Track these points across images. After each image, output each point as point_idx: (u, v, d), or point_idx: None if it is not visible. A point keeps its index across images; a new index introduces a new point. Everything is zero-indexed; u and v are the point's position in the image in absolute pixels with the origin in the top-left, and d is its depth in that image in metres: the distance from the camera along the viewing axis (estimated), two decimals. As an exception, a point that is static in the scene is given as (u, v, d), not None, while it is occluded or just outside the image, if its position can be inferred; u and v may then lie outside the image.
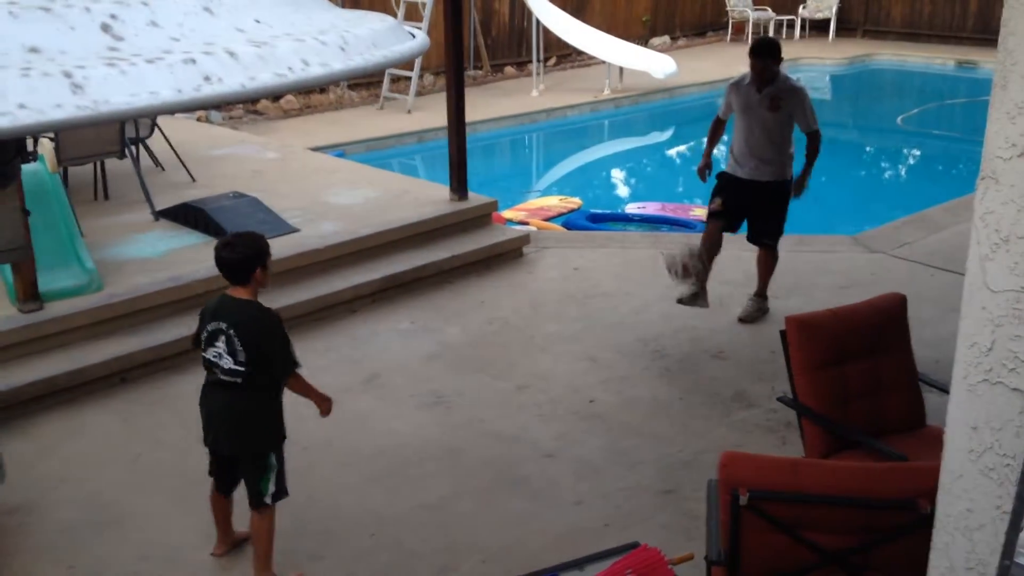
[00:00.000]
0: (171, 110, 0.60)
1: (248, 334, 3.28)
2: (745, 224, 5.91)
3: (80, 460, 4.38)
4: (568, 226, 8.53)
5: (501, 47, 14.79)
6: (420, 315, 5.96)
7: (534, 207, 9.13)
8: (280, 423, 3.46)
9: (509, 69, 14.70)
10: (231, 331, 3.27)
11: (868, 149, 13.31)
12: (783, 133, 5.66)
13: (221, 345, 3.28)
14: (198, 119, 11.17)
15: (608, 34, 13.80)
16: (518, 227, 7.86)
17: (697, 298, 5.71)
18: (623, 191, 11.28)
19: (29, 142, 6.24)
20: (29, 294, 5.03)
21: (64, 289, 5.21)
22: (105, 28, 0.58)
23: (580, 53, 14.49)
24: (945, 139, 13.48)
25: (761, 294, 5.95)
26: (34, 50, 0.55)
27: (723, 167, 5.90)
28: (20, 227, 1.04)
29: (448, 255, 6.47)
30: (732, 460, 2.75)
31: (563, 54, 15.08)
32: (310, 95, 12.60)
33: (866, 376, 3.70)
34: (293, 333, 5.66)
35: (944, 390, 3.65)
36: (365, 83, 13.06)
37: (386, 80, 12.46)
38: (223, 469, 3.54)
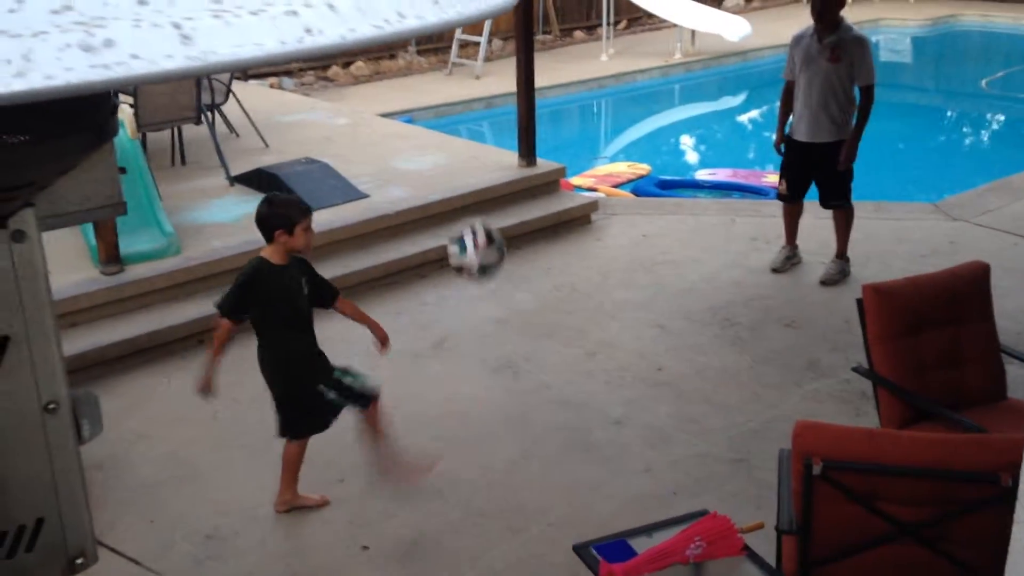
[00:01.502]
0: (275, 61, 0.60)
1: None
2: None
3: (161, 418, 4.53)
4: (637, 192, 8.46)
5: (570, 11, 14.63)
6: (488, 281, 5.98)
7: (602, 173, 9.07)
8: (270, 372, 3.66)
9: (578, 33, 14.55)
10: None
11: (950, 114, 12.88)
12: (845, 87, 5.48)
13: None
14: (270, 85, 11.32)
15: (680, -3, 13.54)
16: (586, 194, 7.82)
17: (790, 260, 5.97)
18: (693, 157, 11.12)
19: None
20: (111, 256, 5.19)
21: (144, 252, 5.35)
22: (209, -19, 0.59)
23: (651, 16, 14.26)
24: (1032, 103, 12.97)
25: (841, 255, 5.84)
26: (143, 3, 0.56)
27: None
28: (118, 183, 1.08)
29: (516, 221, 6.47)
30: (806, 429, 2.72)
31: (633, 17, 14.86)
32: (379, 61, 12.65)
33: (945, 347, 3.61)
34: (363, 297, 5.76)
35: (1028, 362, 3.55)
36: (434, 48, 13.07)
37: (455, 45, 12.44)
38: None
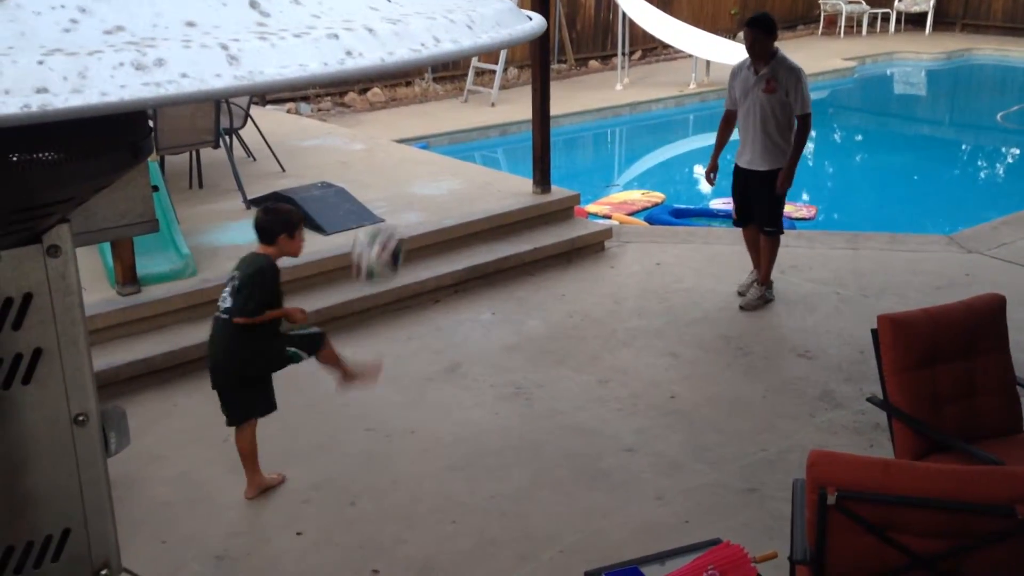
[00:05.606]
0: (318, 82, 0.63)
1: (243, 277, 3.77)
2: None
3: (174, 439, 4.54)
4: (651, 221, 8.48)
5: (586, 41, 14.75)
6: (501, 306, 6.00)
7: (617, 201, 9.10)
8: (267, 358, 3.92)
9: (594, 63, 14.66)
10: (236, 275, 3.80)
11: (965, 147, 12.89)
12: (782, 116, 5.54)
13: (228, 289, 3.83)
14: (288, 110, 11.44)
15: (695, 27, 13.65)
16: (600, 221, 7.85)
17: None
18: (707, 186, 11.13)
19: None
20: (128, 278, 5.23)
21: (161, 273, 5.40)
22: (253, 4, 0.62)
23: (666, 47, 14.37)
24: (1047, 137, 12.96)
25: (763, 282, 5.89)
26: (191, 24, 0.58)
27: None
28: (151, 201, 1.11)
29: (530, 247, 6.49)
30: (820, 459, 2.71)
31: (648, 48, 14.97)
32: (396, 88, 12.77)
33: (961, 378, 3.59)
34: (376, 322, 5.77)
35: (1045, 395, 3.54)
36: (450, 76, 13.19)
37: (471, 73, 12.55)
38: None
